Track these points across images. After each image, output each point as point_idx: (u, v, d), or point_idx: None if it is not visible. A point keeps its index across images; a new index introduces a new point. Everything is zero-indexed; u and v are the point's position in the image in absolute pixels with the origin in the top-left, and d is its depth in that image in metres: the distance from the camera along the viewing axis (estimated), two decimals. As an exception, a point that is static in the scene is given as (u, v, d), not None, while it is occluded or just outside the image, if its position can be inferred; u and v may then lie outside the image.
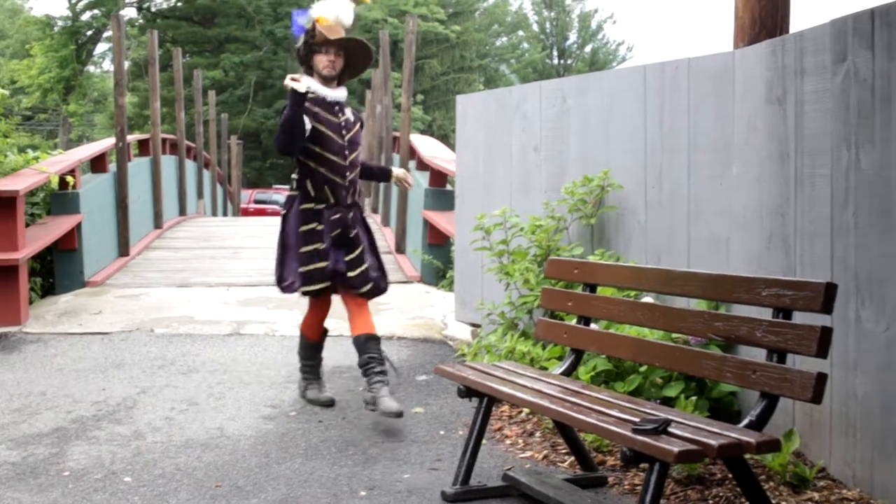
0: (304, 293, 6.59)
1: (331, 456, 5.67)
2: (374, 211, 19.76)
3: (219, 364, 8.01)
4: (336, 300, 6.75)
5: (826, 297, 3.82)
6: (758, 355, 4.10)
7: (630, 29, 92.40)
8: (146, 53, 22.46)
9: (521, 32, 64.81)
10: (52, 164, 11.76)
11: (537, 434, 6.03)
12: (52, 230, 11.28)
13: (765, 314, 4.10)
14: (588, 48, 66.03)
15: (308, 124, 6.36)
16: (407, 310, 10.35)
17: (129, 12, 51.03)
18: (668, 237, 6.46)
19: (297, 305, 10.31)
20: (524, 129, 8.09)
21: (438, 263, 12.33)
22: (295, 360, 8.02)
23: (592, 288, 5.30)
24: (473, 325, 8.95)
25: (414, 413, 6.61)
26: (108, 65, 56.40)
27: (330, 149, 6.47)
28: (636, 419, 3.96)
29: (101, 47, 54.10)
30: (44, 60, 49.06)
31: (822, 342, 3.76)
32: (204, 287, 12.11)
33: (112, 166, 14.13)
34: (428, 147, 14.46)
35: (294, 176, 6.58)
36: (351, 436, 6.08)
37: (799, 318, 4.00)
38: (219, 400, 6.93)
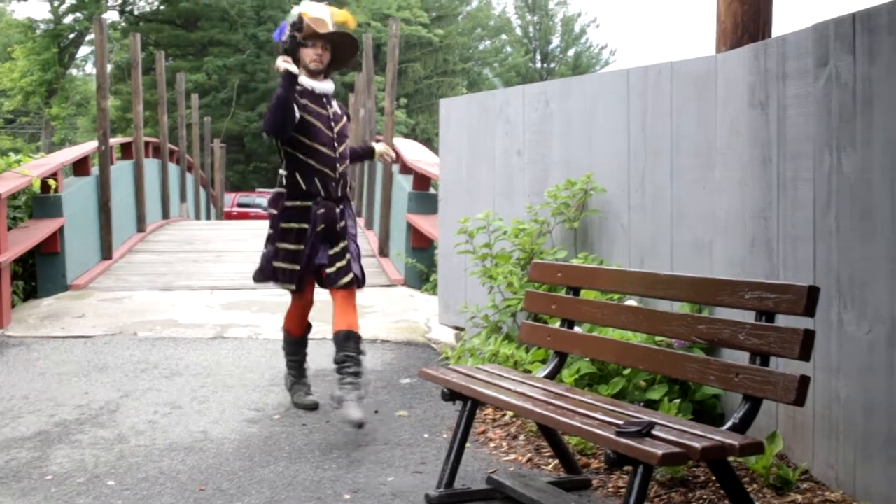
0: (281, 287, 6.60)
1: (315, 459, 5.67)
2: (358, 214, 19.75)
3: (202, 367, 7.99)
4: (319, 300, 6.75)
5: (808, 300, 3.83)
6: (741, 358, 4.12)
7: (613, 33, 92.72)
8: (129, 57, 22.40)
9: (504, 36, 64.88)
10: (34, 168, 11.73)
11: (521, 437, 6.04)
12: (34, 233, 11.25)
13: (748, 317, 4.11)
14: (571, 52, 66.17)
15: (297, 112, 6.27)
16: (391, 313, 10.34)
17: (112, 15, 50.98)
18: (652, 241, 6.48)
19: (280, 309, 10.31)
20: (507, 133, 8.10)
21: (422, 267, 12.32)
22: (279, 363, 8.01)
23: (576, 291, 5.30)
24: (457, 328, 8.96)
25: (398, 416, 6.61)
26: (90, 68, 56.19)
27: (319, 140, 6.37)
28: (620, 422, 3.97)
29: (84, 50, 54.03)
30: (26, 63, 48.93)
31: (804, 345, 3.77)
32: (187, 290, 12.09)
33: (95, 170, 14.10)
34: (411, 151, 14.45)
35: (282, 171, 6.47)
36: (335, 439, 6.08)
37: (782, 321, 4.01)
38: (202, 403, 6.92)
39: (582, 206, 7.08)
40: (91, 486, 5.22)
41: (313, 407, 6.71)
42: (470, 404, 4.97)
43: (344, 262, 6.41)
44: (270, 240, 6.51)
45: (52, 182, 11.88)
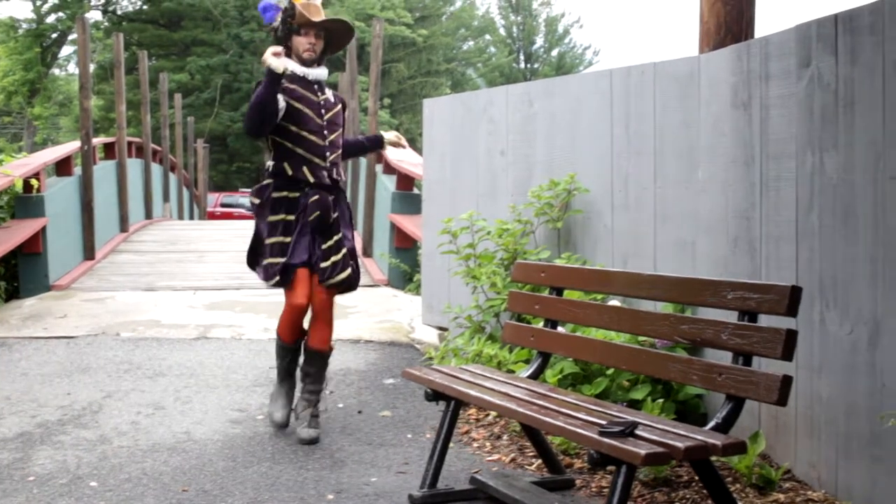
0: (271, 285, 6.14)
1: (298, 460, 5.66)
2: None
3: (185, 368, 7.97)
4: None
5: (791, 300, 3.84)
6: (724, 358, 4.12)
7: (597, 33, 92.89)
8: (112, 56, 22.38)
9: (487, 36, 64.85)
10: (16, 168, 11.71)
11: (505, 437, 6.04)
12: (16, 234, 11.21)
13: (731, 317, 4.12)
14: (555, 52, 66.17)
15: (282, 103, 5.94)
16: (374, 313, 10.34)
17: (95, 15, 50.83)
18: (635, 240, 6.49)
19: (263, 309, 10.30)
20: (491, 133, 8.11)
21: (406, 267, 12.33)
22: (262, 363, 8.03)
23: (559, 291, 5.31)
24: (440, 328, 8.96)
25: (381, 416, 6.60)
26: (73, 68, 56.06)
27: (307, 127, 6.04)
28: (603, 422, 3.97)
29: (66, 50, 53.88)
30: (8, 63, 48.78)
31: (787, 345, 3.78)
32: (170, 291, 12.07)
33: (77, 170, 14.06)
34: (395, 151, 14.42)
35: (269, 162, 6.14)
36: (318, 440, 6.06)
37: (764, 321, 4.03)
38: (185, 404, 6.90)
39: (565, 207, 7.09)
40: (73, 488, 5.20)
41: (280, 425, 6.22)
42: (453, 404, 4.97)
43: (339, 257, 6.10)
44: (258, 237, 6.14)
45: (34, 182, 11.85)
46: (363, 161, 15.79)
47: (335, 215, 6.13)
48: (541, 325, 5.36)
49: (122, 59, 18.04)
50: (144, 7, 51.78)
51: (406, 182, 12.95)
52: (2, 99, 49.36)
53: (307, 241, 6.04)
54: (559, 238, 7.22)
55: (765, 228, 5.18)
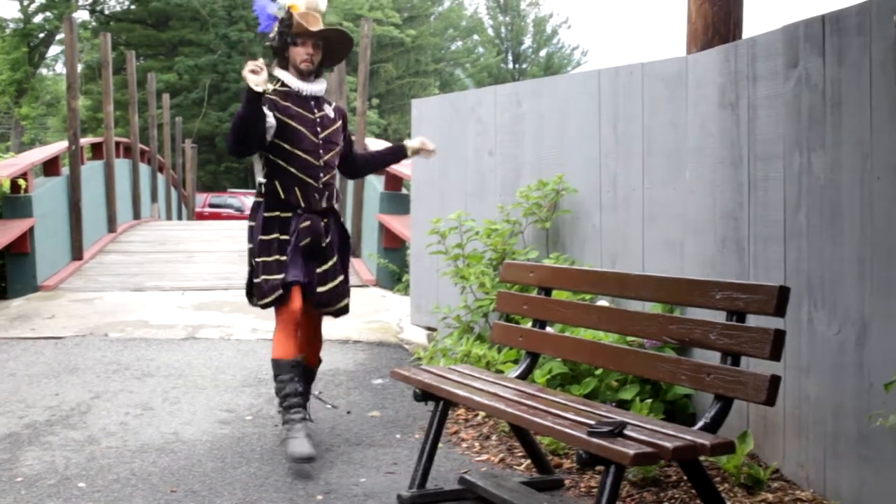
0: (261, 306, 5.79)
1: (287, 460, 5.65)
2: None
3: (174, 368, 7.96)
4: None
5: (779, 300, 3.85)
6: (712, 358, 4.13)
7: (585, 34, 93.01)
8: (99, 56, 22.32)
9: (476, 37, 64.90)
10: (3, 168, 11.69)
11: (493, 437, 6.04)
12: (3, 234, 11.20)
13: (719, 317, 4.13)
14: (543, 53, 66.24)
15: (272, 120, 5.59)
16: (363, 313, 10.34)
17: (82, 15, 50.71)
18: (623, 241, 6.49)
19: (252, 309, 10.27)
20: (479, 134, 8.11)
21: (394, 267, 12.33)
22: (251, 364, 8.02)
23: (548, 291, 5.31)
24: (429, 328, 8.96)
25: (370, 417, 6.60)
26: (60, 67, 55.93)
27: (301, 146, 5.69)
28: (592, 422, 3.97)
29: (54, 50, 53.75)
30: (-5, 63, 48.64)
31: (775, 345, 3.79)
32: (158, 291, 12.05)
33: (65, 170, 14.05)
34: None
35: (261, 179, 5.81)
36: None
37: (752, 321, 4.03)
38: (174, 405, 6.90)
39: (554, 207, 7.09)
40: (61, 488, 5.19)
41: (308, 459, 5.40)
42: (442, 405, 4.97)
43: (336, 283, 5.85)
44: (251, 256, 5.84)
45: (21, 182, 11.83)
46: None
47: (328, 240, 5.83)
48: (529, 325, 5.37)
49: (110, 59, 18.02)
50: (132, 7, 51.70)
51: (394, 182, 12.95)
52: (-11, 99, 49.23)
53: (301, 262, 5.73)
54: (547, 238, 7.23)
55: (753, 228, 5.19)
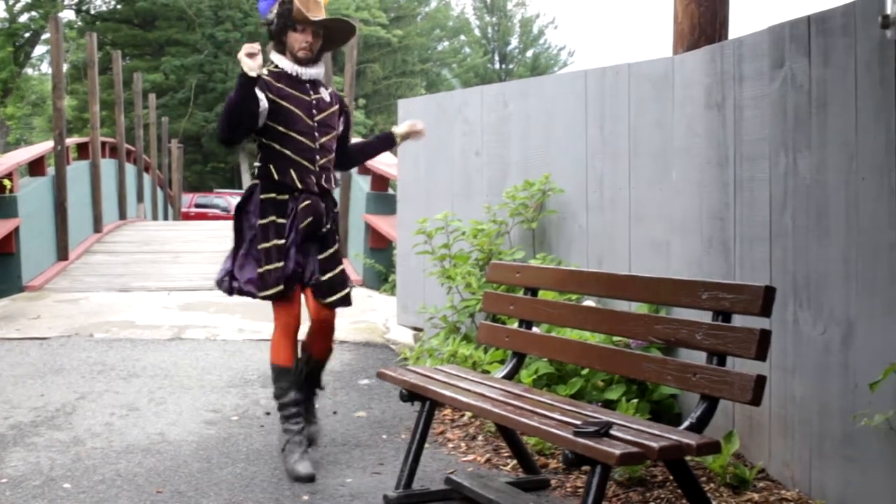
0: (263, 297, 5.51)
1: (273, 460, 5.64)
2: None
3: (160, 369, 7.95)
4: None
5: (765, 300, 3.86)
6: (698, 358, 4.14)
7: (572, 34, 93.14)
8: (85, 56, 22.27)
9: (462, 37, 64.92)
10: (-11, 168, 11.65)
11: (480, 437, 6.04)
12: (-11, 234, 11.16)
13: (705, 317, 4.14)
14: (530, 53, 66.29)
15: (265, 103, 5.37)
16: (349, 314, 10.28)
17: (68, 14, 50.56)
18: (610, 241, 6.50)
19: (238, 310, 10.27)
20: (466, 134, 8.11)
21: (380, 267, 12.32)
22: (236, 364, 8.00)
23: (534, 292, 5.31)
24: (415, 328, 8.95)
25: (356, 417, 6.60)
26: (46, 67, 55.70)
27: (296, 128, 5.45)
28: (578, 422, 3.98)
29: (40, 49, 53.52)
30: (-20, 63, 48.46)
31: (760, 345, 3.80)
32: (144, 291, 12.04)
33: (51, 170, 14.04)
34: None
35: (256, 163, 5.58)
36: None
37: (738, 321, 4.04)
38: (160, 405, 6.88)
39: (540, 207, 7.09)
40: (47, 489, 5.17)
41: (308, 479, 5.28)
42: (428, 405, 4.97)
43: (337, 272, 5.58)
44: (243, 243, 5.56)
45: (7, 182, 11.81)
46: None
47: (328, 226, 5.60)
48: (516, 325, 5.37)
49: (96, 59, 18.00)
50: (118, 7, 51.56)
51: (381, 183, 12.96)
52: (-26, 99, 49.06)
53: (298, 251, 5.49)
54: (534, 238, 7.23)
55: (739, 229, 5.20)
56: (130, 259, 14.96)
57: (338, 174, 5.89)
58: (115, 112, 21.80)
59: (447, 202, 8.22)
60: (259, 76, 5.27)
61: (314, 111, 5.56)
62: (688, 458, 3.99)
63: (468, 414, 6.34)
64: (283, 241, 5.43)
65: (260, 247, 5.45)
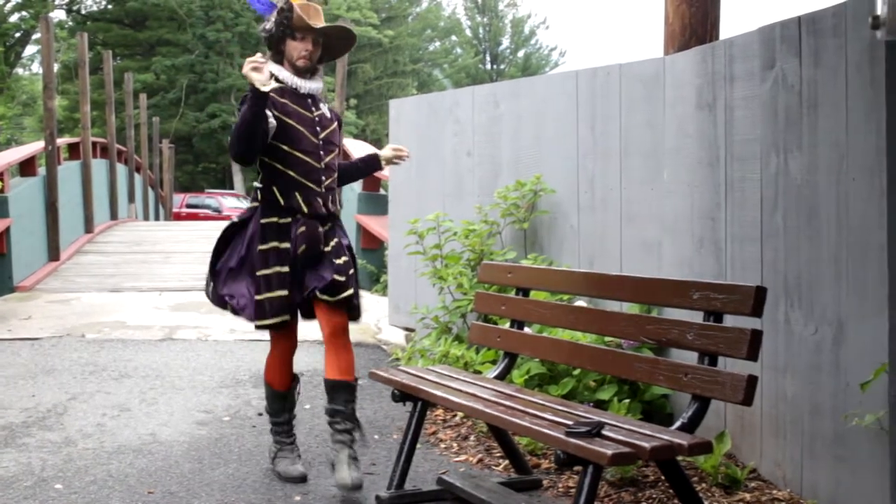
0: (258, 326, 5.27)
1: (264, 461, 5.64)
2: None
3: (151, 369, 7.94)
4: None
5: (756, 300, 3.86)
6: (690, 358, 4.14)
7: (563, 34, 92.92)
8: (76, 56, 22.24)
9: (454, 37, 64.92)
10: (-21, 168, 11.62)
11: (472, 438, 6.04)
12: (-21, 235, 11.14)
13: (696, 317, 4.14)
14: (521, 53, 66.30)
15: (272, 120, 5.09)
16: (341, 314, 10.31)
17: (59, 14, 50.47)
18: (601, 241, 6.50)
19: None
20: (457, 134, 8.11)
21: (372, 268, 12.32)
22: (228, 365, 7.99)
23: (525, 292, 5.32)
24: (407, 329, 8.96)
25: (348, 418, 6.59)
26: (37, 67, 55.66)
27: (301, 147, 5.18)
28: (570, 422, 3.98)
29: (30, 49, 53.47)
30: (-30, 62, 48.36)
31: (752, 345, 3.80)
32: (136, 292, 12.02)
33: (42, 170, 14.02)
34: (361, 151, 14.44)
35: (257, 184, 5.29)
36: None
37: (730, 321, 4.04)
38: (151, 405, 6.87)
39: (531, 207, 7.10)
40: (38, 490, 5.16)
41: (301, 479, 5.32)
42: (420, 405, 4.97)
43: (343, 278, 5.23)
44: (242, 266, 5.26)
45: (-3, 182, 11.78)
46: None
47: (327, 248, 5.27)
48: (507, 325, 5.37)
49: (87, 59, 17.98)
50: (109, 6, 51.48)
51: (372, 183, 12.95)
52: (-36, 99, 48.95)
53: (301, 276, 5.22)
54: (525, 239, 7.23)
55: (730, 229, 5.21)
56: (122, 259, 14.95)
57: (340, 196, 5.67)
58: (105, 112, 21.75)
59: (438, 202, 8.22)
60: (268, 93, 4.94)
61: (318, 128, 5.31)
62: (679, 458, 4.00)
63: (460, 414, 6.34)
64: (286, 269, 5.18)
65: (259, 273, 5.17)
